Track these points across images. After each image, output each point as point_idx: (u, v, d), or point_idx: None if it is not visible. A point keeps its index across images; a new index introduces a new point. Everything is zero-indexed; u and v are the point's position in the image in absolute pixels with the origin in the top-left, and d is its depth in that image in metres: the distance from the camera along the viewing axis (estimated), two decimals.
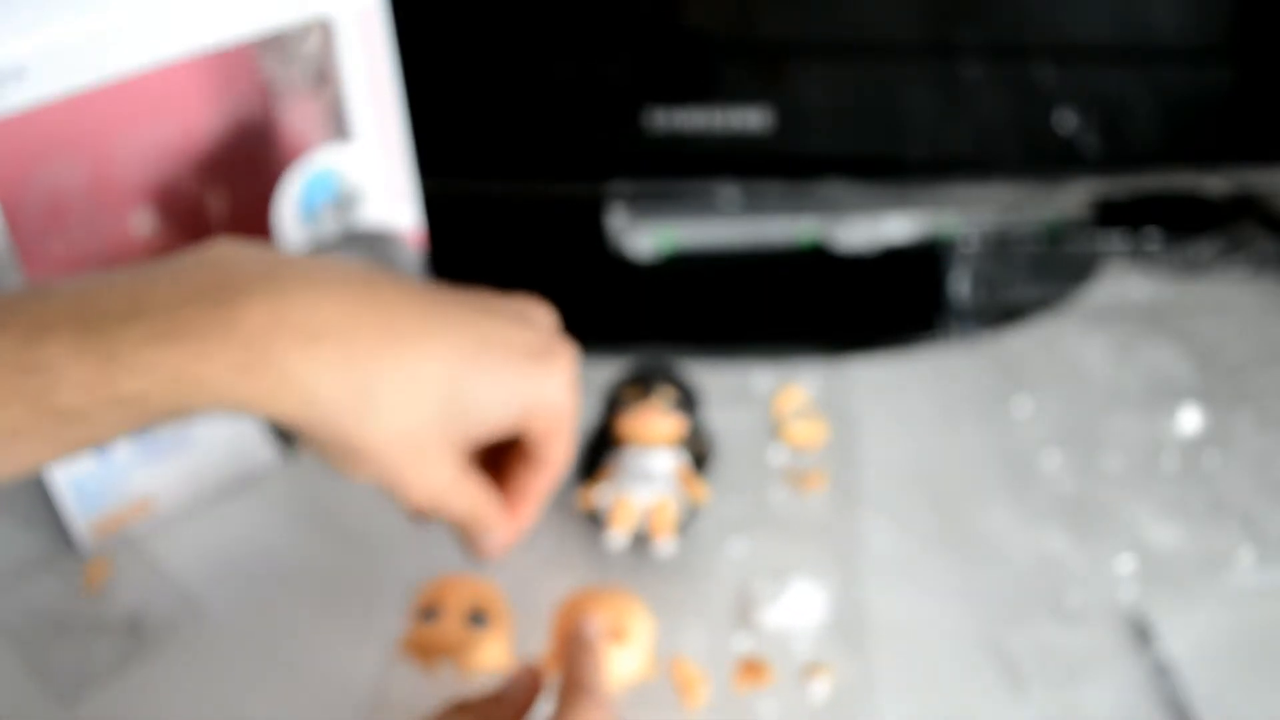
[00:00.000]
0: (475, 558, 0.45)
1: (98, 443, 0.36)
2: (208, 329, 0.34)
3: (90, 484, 0.54)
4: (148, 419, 0.35)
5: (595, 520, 0.55)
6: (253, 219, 0.54)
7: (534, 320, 0.42)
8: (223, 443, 0.57)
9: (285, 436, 0.60)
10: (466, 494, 0.41)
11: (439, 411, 0.38)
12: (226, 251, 0.37)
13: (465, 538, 0.44)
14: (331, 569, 0.55)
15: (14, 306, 0.34)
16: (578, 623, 0.45)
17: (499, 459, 0.44)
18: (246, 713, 0.49)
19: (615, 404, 0.57)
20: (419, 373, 0.38)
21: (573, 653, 0.43)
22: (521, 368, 0.40)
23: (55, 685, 0.50)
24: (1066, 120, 0.67)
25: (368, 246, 0.57)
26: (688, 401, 0.58)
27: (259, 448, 0.59)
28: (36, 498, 0.56)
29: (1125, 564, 0.54)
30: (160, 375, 0.34)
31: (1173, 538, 0.56)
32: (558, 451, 0.43)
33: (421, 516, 0.44)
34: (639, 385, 0.58)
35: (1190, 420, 0.62)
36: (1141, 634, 0.51)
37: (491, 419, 0.40)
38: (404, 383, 0.37)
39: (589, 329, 0.69)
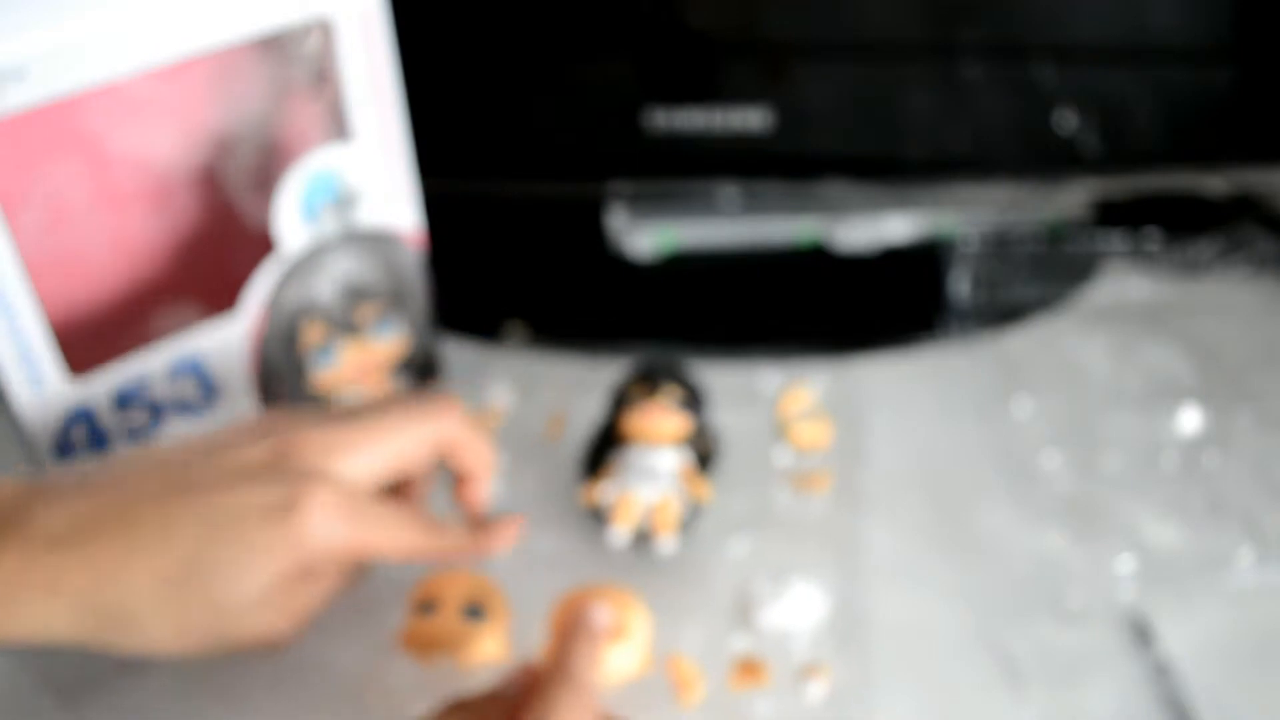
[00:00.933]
0: (483, 557, 0.48)
1: None
2: None
3: None
4: None
5: (597, 516, 0.55)
6: (253, 219, 0.54)
7: (288, 458, 0.42)
8: None
9: None
10: (302, 599, 0.43)
11: (187, 607, 0.40)
12: None
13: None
14: None
15: None
16: (585, 608, 0.45)
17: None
18: (247, 711, 0.49)
19: (621, 401, 0.57)
20: (168, 564, 0.39)
21: (570, 637, 0.43)
22: (269, 528, 0.41)
23: (55, 687, 0.50)
24: (1066, 120, 0.67)
25: (368, 246, 0.58)
26: (694, 401, 0.58)
27: None
28: None
29: (1125, 564, 0.54)
30: None
31: (1173, 538, 0.56)
32: (388, 554, 0.45)
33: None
34: (645, 383, 0.58)
35: (1190, 420, 0.62)
36: (1141, 634, 0.51)
37: (253, 583, 0.41)
38: (153, 583, 0.39)
39: (589, 329, 0.69)
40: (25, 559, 0.38)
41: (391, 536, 0.44)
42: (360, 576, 0.47)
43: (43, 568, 0.38)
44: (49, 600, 0.38)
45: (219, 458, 0.42)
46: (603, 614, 0.45)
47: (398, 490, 0.49)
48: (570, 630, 0.44)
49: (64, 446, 0.52)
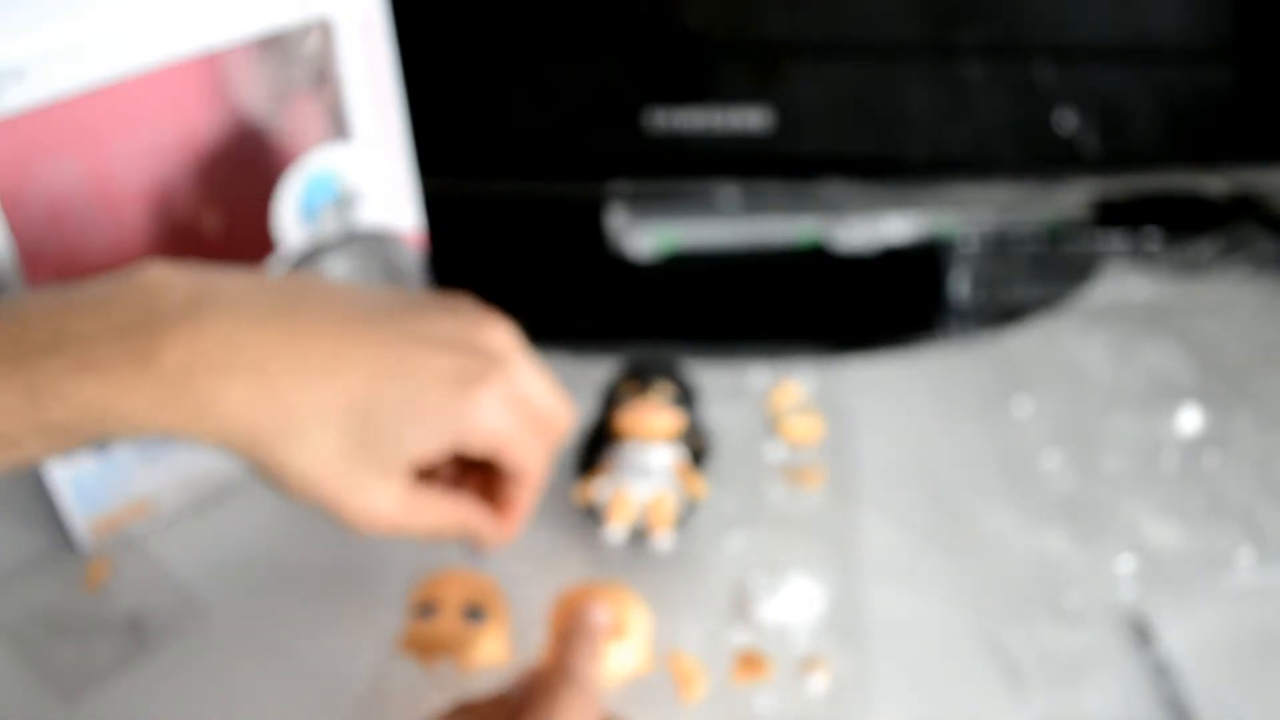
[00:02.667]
0: (473, 552, 0.46)
1: (31, 462, 0.37)
2: (126, 363, 0.36)
3: (90, 484, 0.54)
4: (75, 443, 0.37)
5: (593, 515, 0.55)
6: (253, 219, 0.54)
7: (474, 341, 0.41)
8: None
9: None
10: (423, 512, 0.42)
11: (356, 441, 0.39)
12: (151, 278, 0.38)
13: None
14: (331, 567, 0.55)
15: None
16: (583, 608, 0.45)
17: (488, 467, 0.45)
18: (247, 712, 0.49)
19: (614, 399, 0.57)
20: (331, 403, 0.38)
21: (570, 637, 0.43)
22: (443, 395, 0.40)
23: (55, 685, 0.50)
24: (1066, 120, 0.67)
25: (368, 246, 0.57)
26: (686, 397, 0.58)
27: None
28: (36, 498, 0.56)
29: (1125, 564, 0.54)
30: (82, 406, 0.35)
31: (1173, 538, 0.56)
32: (524, 465, 0.43)
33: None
34: (637, 381, 0.58)
35: (1190, 420, 0.62)
36: (1141, 634, 0.51)
37: (414, 446, 0.40)
38: (317, 413, 0.38)
39: (589, 328, 0.69)
40: (191, 358, 0.36)
41: (533, 450, 0.43)
42: (480, 535, 0.45)
43: (209, 370, 0.36)
44: (209, 404, 0.36)
45: (406, 313, 0.41)
46: (601, 613, 0.45)
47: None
48: (569, 630, 0.44)
49: None
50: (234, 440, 0.38)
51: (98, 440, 0.37)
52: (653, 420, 0.55)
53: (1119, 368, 0.66)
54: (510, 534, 0.46)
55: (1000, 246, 0.72)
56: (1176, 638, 0.51)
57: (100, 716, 0.49)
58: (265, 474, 0.39)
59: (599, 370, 0.61)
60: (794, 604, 0.52)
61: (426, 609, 0.49)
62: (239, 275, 0.40)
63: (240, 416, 0.37)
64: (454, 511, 0.43)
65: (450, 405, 0.40)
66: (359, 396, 0.39)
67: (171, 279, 0.38)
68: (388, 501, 0.40)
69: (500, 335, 0.42)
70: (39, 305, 0.36)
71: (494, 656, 0.49)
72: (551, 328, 0.69)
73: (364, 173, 0.56)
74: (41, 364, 0.35)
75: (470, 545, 0.46)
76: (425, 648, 0.49)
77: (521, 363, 0.42)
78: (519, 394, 0.42)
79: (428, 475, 0.47)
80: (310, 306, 0.39)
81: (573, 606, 0.47)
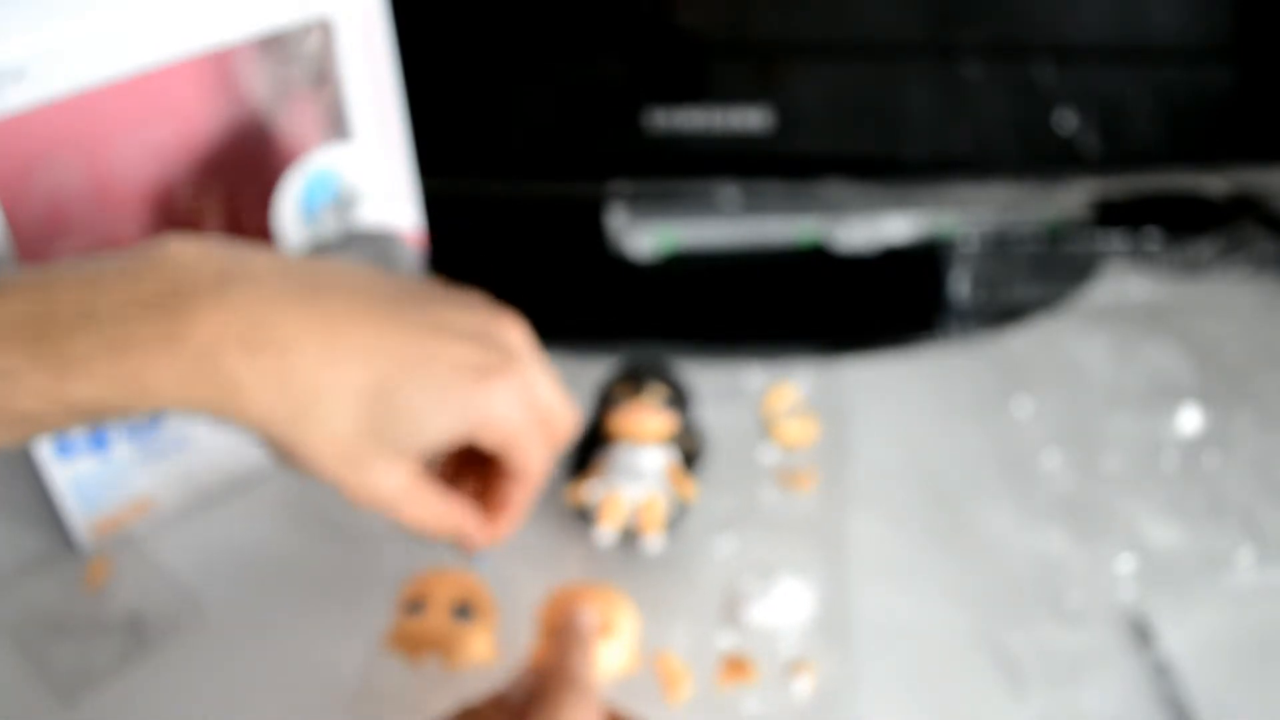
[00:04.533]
0: (462, 552, 0.46)
1: (51, 435, 0.37)
2: (155, 340, 0.35)
3: (90, 484, 0.54)
4: (100, 419, 0.37)
5: (584, 516, 0.55)
6: (253, 219, 0.54)
7: (492, 335, 0.42)
8: (222, 443, 0.57)
9: None
10: (422, 503, 0.42)
11: (373, 423, 0.39)
12: (178, 252, 0.37)
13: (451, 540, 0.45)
14: (329, 566, 0.55)
15: None
16: (571, 613, 0.45)
17: (486, 468, 0.45)
18: (246, 711, 0.49)
19: (606, 401, 0.57)
20: (352, 387, 0.39)
21: (563, 642, 0.43)
22: (461, 384, 0.40)
23: (55, 685, 0.50)
24: (1066, 120, 0.67)
25: (368, 246, 0.57)
26: (679, 399, 0.58)
27: (258, 448, 0.58)
28: (36, 498, 0.56)
29: (1125, 564, 0.54)
30: (110, 383, 0.35)
31: (1173, 538, 0.56)
32: (527, 464, 0.43)
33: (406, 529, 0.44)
34: (630, 382, 0.58)
35: (1190, 420, 0.62)
36: (1141, 634, 0.51)
37: (430, 432, 0.40)
38: (337, 396, 0.38)
39: (588, 328, 0.69)
40: (220, 335, 0.36)
41: (537, 448, 0.43)
42: (476, 537, 0.45)
43: (239, 347, 0.37)
44: (237, 382, 0.37)
45: (428, 302, 0.41)
46: (590, 615, 0.45)
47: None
48: (561, 634, 0.44)
49: (64, 446, 0.52)
50: (255, 418, 0.38)
51: (121, 417, 0.37)
52: (645, 422, 0.55)
53: (1119, 368, 0.66)
54: (502, 535, 0.46)
55: (1000, 246, 0.72)
56: (1176, 638, 0.51)
57: (100, 716, 0.49)
58: (280, 450, 0.39)
59: (597, 370, 0.61)
60: (783, 607, 0.52)
61: (415, 606, 0.49)
62: (267, 253, 0.40)
63: (264, 395, 0.37)
64: (449, 510, 0.43)
65: (467, 394, 0.40)
66: (380, 381, 0.39)
67: (201, 253, 0.38)
68: (391, 485, 0.41)
69: (515, 332, 0.43)
70: (65, 278, 0.36)
71: (481, 655, 0.49)
72: (551, 327, 0.68)
73: (364, 173, 0.56)
74: (71, 341, 0.35)
75: (460, 547, 0.46)
76: (412, 645, 0.49)
77: (535, 361, 0.43)
78: (531, 392, 0.42)
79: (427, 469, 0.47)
80: (336, 289, 0.39)
81: (561, 607, 0.47)
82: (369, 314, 0.39)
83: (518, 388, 0.41)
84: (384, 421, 0.39)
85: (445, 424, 0.40)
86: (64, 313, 0.35)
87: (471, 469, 0.46)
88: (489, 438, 0.41)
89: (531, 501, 0.46)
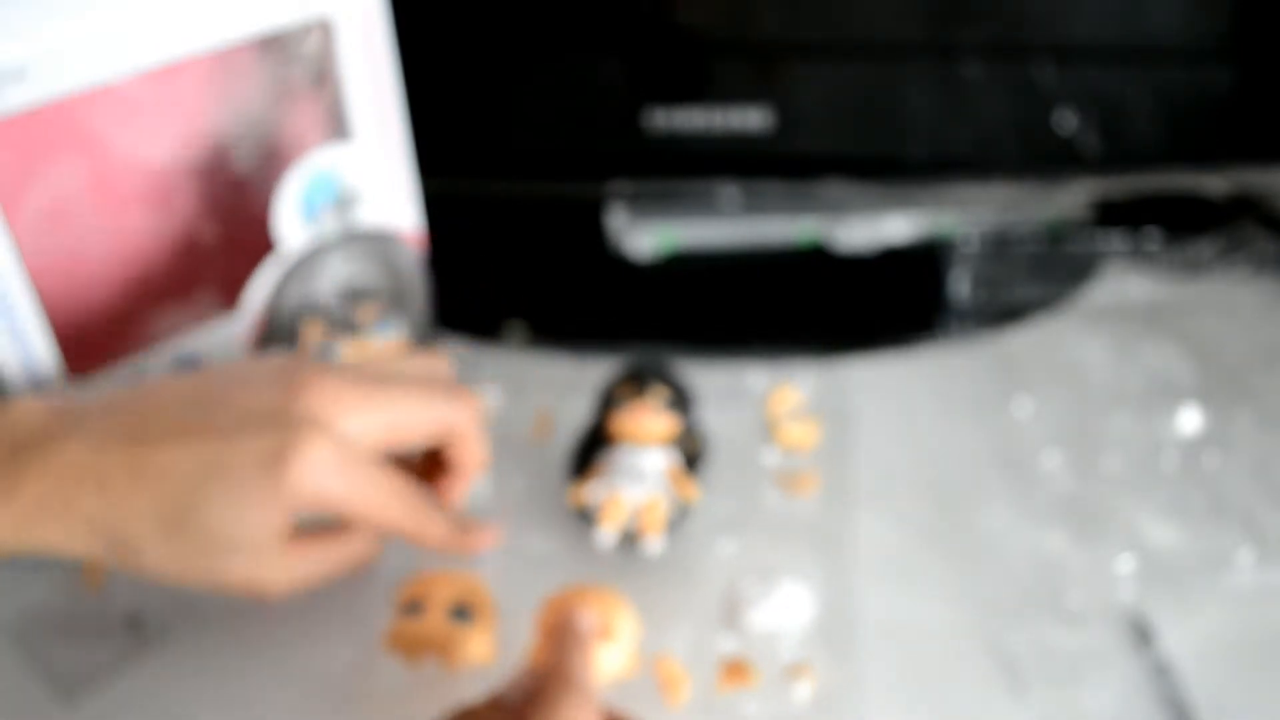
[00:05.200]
0: (461, 554, 0.49)
1: None
2: None
3: None
4: None
5: (585, 517, 0.55)
6: (253, 219, 0.54)
7: (289, 411, 0.43)
8: None
9: None
10: (312, 563, 0.45)
11: (188, 536, 0.42)
12: (16, 412, 0.43)
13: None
14: None
15: None
16: (570, 614, 0.45)
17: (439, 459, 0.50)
18: (245, 710, 0.49)
19: (608, 402, 0.57)
20: (159, 509, 0.42)
21: (562, 644, 0.43)
22: (258, 475, 0.42)
23: (55, 685, 0.50)
24: (1066, 120, 0.67)
25: (368, 246, 0.58)
26: (681, 401, 0.58)
27: None
28: None
29: (1125, 564, 0.54)
30: None
31: (1173, 538, 0.56)
32: (387, 509, 0.46)
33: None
34: (633, 384, 0.58)
35: (1190, 420, 0.62)
36: (1141, 634, 0.51)
37: (256, 528, 0.42)
38: (149, 520, 0.42)
39: (589, 329, 0.69)
40: (46, 486, 0.41)
41: (380, 503, 0.45)
42: (368, 559, 0.48)
43: (61, 495, 0.41)
44: (67, 522, 0.42)
45: (231, 397, 0.44)
46: (589, 617, 0.45)
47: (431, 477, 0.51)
48: (559, 636, 0.44)
49: None
50: (94, 552, 0.42)
51: None
52: (647, 423, 0.55)
53: (1119, 368, 0.66)
54: (445, 535, 0.48)
55: (1000, 246, 0.72)
56: (1176, 638, 0.51)
57: (100, 716, 0.49)
58: (145, 576, 0.43)
59: (598, 371, 0.61)
60: (784, 610, 0.52)
61: (413, 607, 0.49)
62: (95, 402, 0.44)
63: (92, 533, 0.42)
64: (341, 550, 0.46)
65: (268, 483, 0.42)
66: (182, 497, 0.42)
67: (32, 412, 0.43)
68: (273, 569, 0.44)
69: (314, 396, 0.44)
70: None
71: (480, 656, 0.49)
72: (552, 328, 0.69)
73: (364, 173, 0.56)
74: None
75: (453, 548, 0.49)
76: (410, 646, 0.49)
77: (341, 415, 0.44)
78: (346, 446, 0.44)
79: (403, 465, 0.51)
80: (149, 420, 0.43)
81: (560, 609, 0.47)
82: (172, 437, 0.42)
83: (321, 455, 0.43)
84: (198, 530, 0.42)
85: (264, 515, 0.42)
86: None
87: (438, 464, 0.51)
88: (330, 504, 0.44)
89: (474, 473, 0.50)
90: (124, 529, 0.42)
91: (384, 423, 0.45)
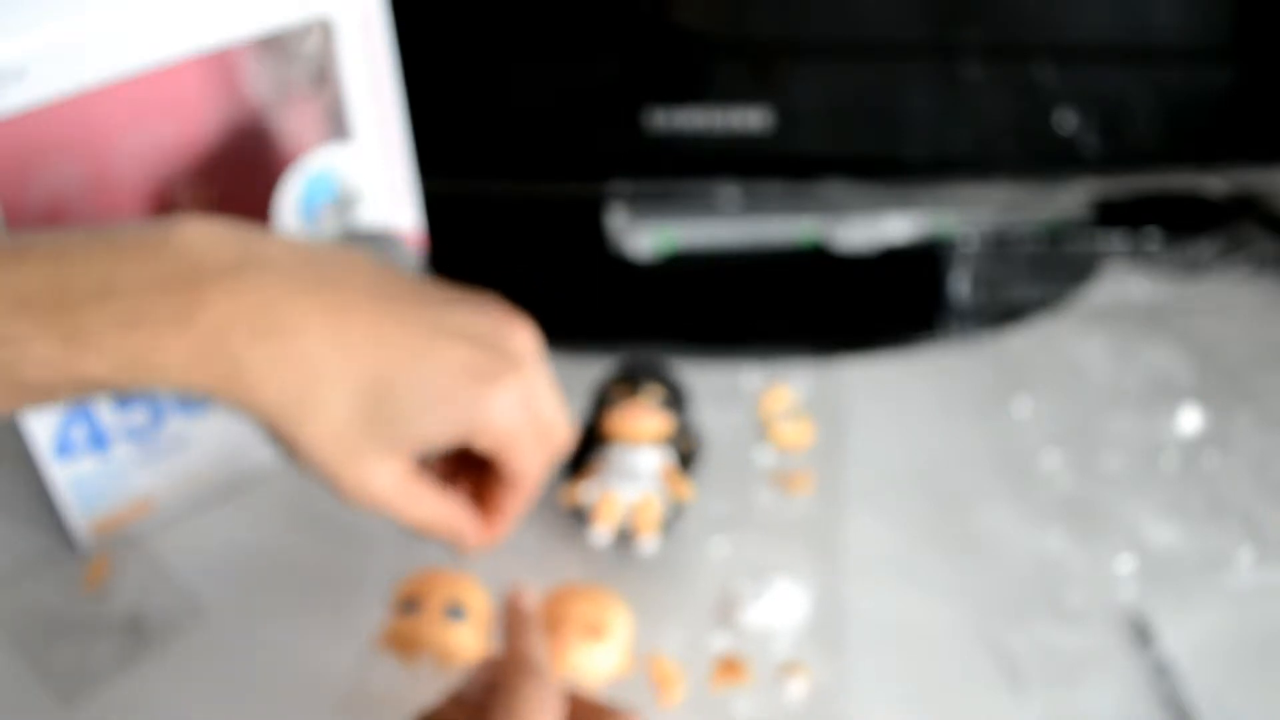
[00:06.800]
0: (455, 552, 0.46)
1: (51, 405, 0.37)
2: (166, 320, 0.36)
3: (90, 484, 0.54)
4: (103, 393, 0.37)
5: (579, 516, 0.55)
6: (253, 219, 0.54)
7: (498, 339, 0.42)
8: (222, 443, 0.57)
9: None
10: (415, 500, 0.42)
11: (369, 415, 0.39)
12: (194, 234, 0.38)
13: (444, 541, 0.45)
14: (325, 566, 0.55)
15: None
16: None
17: (482, 471, 0.45)
18: (244, 710, 0.49)
19: (603, 401, 0.57)
20: (354, 377, 0.39)
21: (511, 626, 0.43)
22: (460, 386, 0.40)
23: (55, 685, 0.50)
24: (1066, 120, 0.67)
25: (368, 246, 0.57)
26: (676, 400, 0.58)
27: (258, 448, 0.59)
28: (36, 498, 0.56)
29: (1125, 564, 0.54)
30: (120, 359, 0.35)
31: (1173, 538, 0.56)
32: (523, 470, 0.43)
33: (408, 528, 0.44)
34: (627, 383, 0.58)
35: (1190, 420, 0.62)
36: (1141, 634, 0.51)
37: (425, 430, 0.40)
38: (338, 385, 0.38)
39: (589, 328, 0.69)
40: (227, 319, 0.37)
41: (533, 476, 0.43)
42: (464, 541, 0.45)
43: (246, 330, 0.37)
44: (240, 365, 0.37)
45: (440, 301, 0.41)
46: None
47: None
48: (505, 620, 0.43)
49: (64, 446, 0.52)
50: (255, 403, 0.38)
51: (124, 392, 0.37)
52: (641, 423, 0.55)
53: (1119, 368, 0.66)
54: (494, 540, 0.46)
55: (1000, 246, 0.72)
56: (1176, 638, 0.51)
57: (100, 716, 0.49)
58: (276, 438, 0.39)
59: (593, 370, 0.61)
60: (778, 609, 0.52)
61: (408, 606, 0.49)
62: (282, 240, 0.40)
63: (267, 380, 0.37)
64: (445, 508, 0.43)
65: (466, 397, 0.40)
66: (380, 374, 0.39)
67: (216, 237, 0.38)
68: (385, 480, 0.41)
69: (523, 338, 0.43)
70: (83, 249, 0.36)
71: (474, 655, 0.49)
72: (551, 327, 0.68)
73: (364, 173, 0.56)
74: (86, 314, 0.35)
75: (451, 546, 0.46)
76: (406, 644, 0.49)
77: (539, 369, 0.43)
78: (532, 398, 0.42)
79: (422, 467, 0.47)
80: (347, 281, 0.40)
81: (555, 608, 0.47)
82: (375, 308, 0.39)
83: (518, 394, 0.41)
84: (380, 415, 0.39)
85: (442, 424, 0.40)
86: (79, 285, 0.35)
87: (467, 471, 0.46)
88: (485, 441, 0.41)
89: (525, 508, 0.46)
90: (305, 386, 0.38)
91: (556, 390, 0.44)
